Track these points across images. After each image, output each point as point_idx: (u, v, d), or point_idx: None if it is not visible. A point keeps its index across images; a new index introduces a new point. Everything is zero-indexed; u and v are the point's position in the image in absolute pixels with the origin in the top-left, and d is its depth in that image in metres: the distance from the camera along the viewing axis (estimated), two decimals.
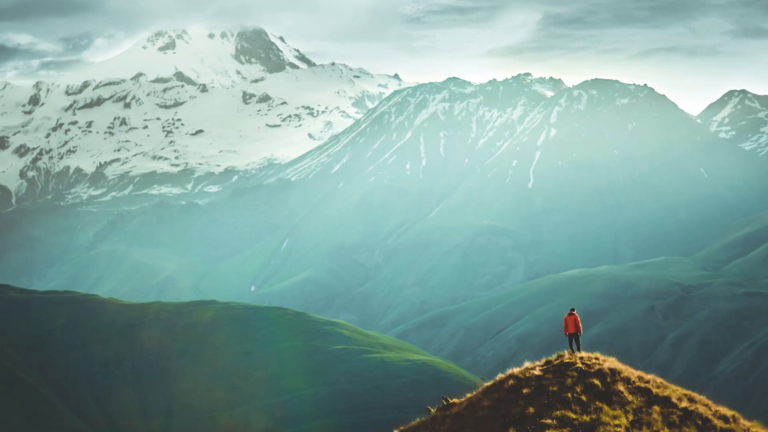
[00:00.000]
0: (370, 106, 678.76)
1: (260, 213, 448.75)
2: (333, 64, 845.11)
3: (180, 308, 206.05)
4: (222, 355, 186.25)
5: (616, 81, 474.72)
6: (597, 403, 30.17)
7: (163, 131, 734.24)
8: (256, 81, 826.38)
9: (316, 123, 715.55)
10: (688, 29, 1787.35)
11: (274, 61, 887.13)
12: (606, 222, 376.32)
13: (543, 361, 33.20)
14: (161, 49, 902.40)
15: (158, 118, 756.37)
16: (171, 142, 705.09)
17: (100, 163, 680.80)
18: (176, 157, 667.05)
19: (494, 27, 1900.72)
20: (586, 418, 29.33)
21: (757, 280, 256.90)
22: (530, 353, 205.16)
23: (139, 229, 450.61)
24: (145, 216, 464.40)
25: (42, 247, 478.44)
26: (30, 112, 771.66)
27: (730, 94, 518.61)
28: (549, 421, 29.10)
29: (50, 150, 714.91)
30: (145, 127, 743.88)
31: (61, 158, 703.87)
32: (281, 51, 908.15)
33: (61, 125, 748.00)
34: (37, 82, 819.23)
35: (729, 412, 31.57)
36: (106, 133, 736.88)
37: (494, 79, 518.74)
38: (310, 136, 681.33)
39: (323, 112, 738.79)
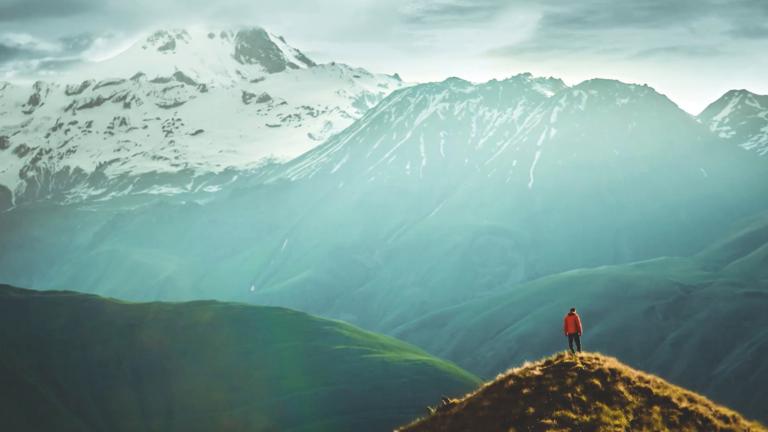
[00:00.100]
0: (370, 106, 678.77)
1: (260, 213, 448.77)
2: (333, 64, 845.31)
3: (180, 308, 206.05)
4: (222, 355, 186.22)
5: (616, 81, 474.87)
6: (597, 403, 30.13)
7: (163, 131, 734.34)
8: (256, 81, 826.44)
9: (316, 123, 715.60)
10: (688, 29, 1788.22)
11: (274, 61, 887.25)
12: (606, 222, 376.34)
13: (543, 361, 33.16)
14: (161, 49, 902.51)
15: (158, 118, 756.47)
16: (171, 142, 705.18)
17: (99, 163, 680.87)
18: (176, 157, 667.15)
19: (494, 27, 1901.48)
20: (586, 418, 29.29)
21: (758, 280, 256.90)
22: (530, 353, 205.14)
23: (139, 229, 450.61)
24: (145, 216, 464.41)
25: (42, 247, 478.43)
26: (30, 112, 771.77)
27: (731, 94, 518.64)
28: (549, 421, 29.06)
29: (50, 150, 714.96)
30: (145, 127, 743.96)
31: (61, 158, 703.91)
32: (281, 51, 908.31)
33: (60, 125, 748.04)
34: (36, 82, 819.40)
35: (729, 413, 31.53)
36: (106, 133, 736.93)
37: (494, 79, 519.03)
38: (310, 136, 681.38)
39: (323, 112, 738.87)
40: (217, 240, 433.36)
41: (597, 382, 31.13)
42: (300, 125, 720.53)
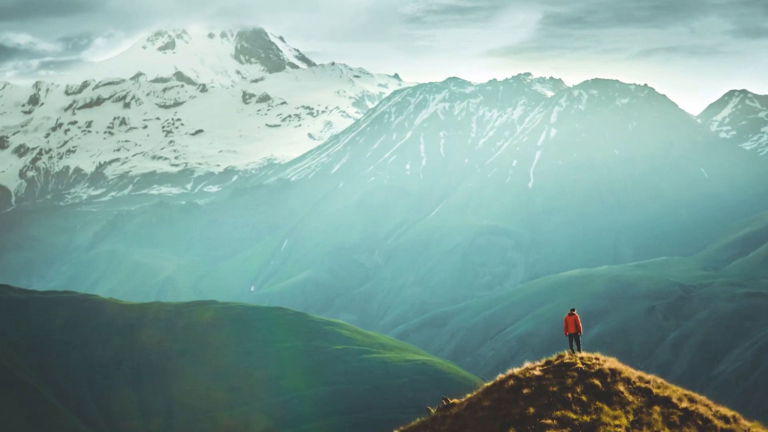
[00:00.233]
0: (370, 106, 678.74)
1: (260, 213, 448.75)
2: (333, 63, 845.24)
3: (180, 308, 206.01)
4: (222, 356, 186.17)
5: (617, 81, 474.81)
6: (597, 403, 30.09)
7: (163, 131, 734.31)
8: (255, 81, 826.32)
9: (316, 123, 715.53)
10: (688, 29, 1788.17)
11: (274, 61, 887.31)
12: (606, 222, 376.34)
13: (543, 361, 33.13)
14: (161, 48, 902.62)
15: (158, 118, 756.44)
16: (171, 142, 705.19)
17: (99, 163, 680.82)
18: (176, 157, 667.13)
19: (494, 27, 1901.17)
20: (586, 418, 29.25)
21: (758, 280, 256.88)
22: (530, 353, 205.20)
23: (139, 229, 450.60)
24: (145, 216, 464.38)
25: (41, 247, 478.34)
26: (29, 112, 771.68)
27: (731, 93, 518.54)
28: (549, 421, 29.02)
29: (50, 150, 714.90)
30: (145, 127, 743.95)
31: (61, 158, 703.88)
32: (281, 51, 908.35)
33: (60, 125, 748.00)
34: (36, 82, 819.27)
35: (729, 413, 31.51)
36: (105, 133, 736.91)
37: (494, 79, 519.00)
38: (310, 136, 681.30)
39: (323, 112, 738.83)
40: (217, 240, 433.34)
41: (597, 382, 31.08)
42: (300, 125, 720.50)
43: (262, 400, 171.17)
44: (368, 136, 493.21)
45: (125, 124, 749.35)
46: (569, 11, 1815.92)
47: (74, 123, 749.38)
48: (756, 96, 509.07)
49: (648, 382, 31.85)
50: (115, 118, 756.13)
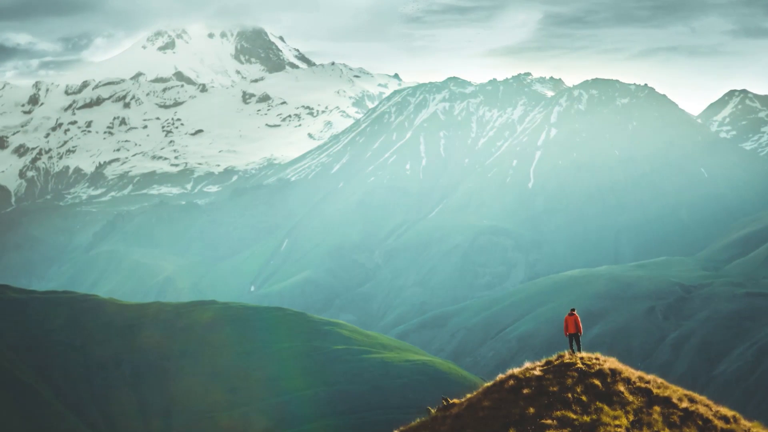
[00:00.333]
0: (370, 105, 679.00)
1: (260, 213, 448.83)
2: (333, 63, 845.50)
3: (179, 308, 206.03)
4: (221, 356, 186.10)
5: (617, 81, 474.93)
6: (597, 403, 30.01)
7: (163, 131, 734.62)
8: (255, 81, 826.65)
9: (316, 123, 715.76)
10: (688, 29, 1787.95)
11: (273, 61, 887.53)
12: (607, 222, 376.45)
13: (543, 361, 33.05)
14: (161, 48, 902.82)
15: (158, 118, 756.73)
16: (171, 141, 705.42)
17: (99, 163, 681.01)
18: (176, 157, 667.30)
19: (494, 27, 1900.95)
20: (586, 418, 29.16)
21: (758, 281, 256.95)
22: (531, 353, 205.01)
23: (139, 229, 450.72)
24: (145, 216, 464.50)
25: (41, 247, 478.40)
26: (29, 112, 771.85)
27: (731, 93, 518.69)
28: (549, 421, 28.93)
29: (49, 150, 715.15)
30: (145, 126, 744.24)
31: (61, 158, 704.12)
32: (281, 51, 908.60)
33: (60, 125, 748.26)
34: (36, 82, 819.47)
35: (730, 413, 31.44)
36: (105, 133, 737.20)
37: (494, 79, 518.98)
38: (309, 136, 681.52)
39: (323, 111, 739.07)
40: (217, 240, 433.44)
41: (597, 382, 30.99)
42: (300, 125, 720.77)
43: (261, 401, 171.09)
44: (368, 136, 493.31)
45: (125, 124, 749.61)
46: (569, 11, 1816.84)
47: (74, 123, 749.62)
48: (756, 96, 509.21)
49: (648, 382, 31.76)
50: (115, 118, 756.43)
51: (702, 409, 30.95)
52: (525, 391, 30.86)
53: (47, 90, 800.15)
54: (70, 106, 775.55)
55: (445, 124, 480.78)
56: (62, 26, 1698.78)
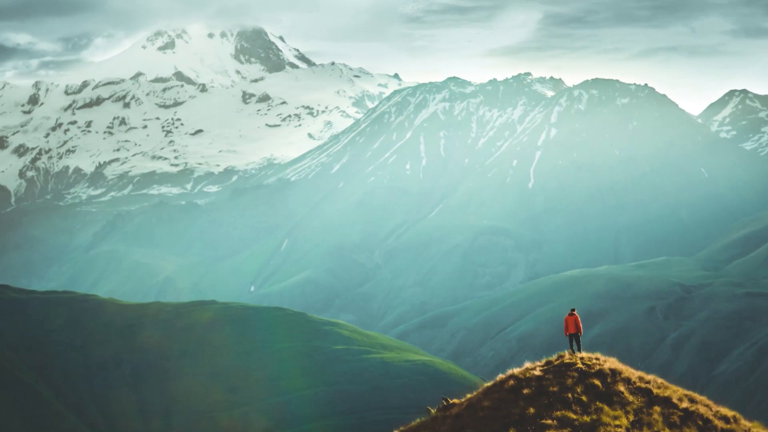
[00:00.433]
0: (370, 105, 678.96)
1: (260, 213, 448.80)
2: (333, 63, 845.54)
3: (179, 308, 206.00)
4: (221, 356, 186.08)
5: (617, 81, 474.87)
6: (597, 403, 29.98)
7: (163, 131, 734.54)
8: (255, 81, 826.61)
9: (316, 123, 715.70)
10: (688, 29, 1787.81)
11: (273, 61, 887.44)
12: (607, 222, 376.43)
13: (543, 361, 33.02)
14: (161, 48, 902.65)
15: (158, 118, 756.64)
16: (170, 141, 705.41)
17: (99, 163, 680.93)
18: (176, 157, 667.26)
19: (494, 27, 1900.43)
20: (586, 418, 29.14)
21: (758, 281, 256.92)
22: (531, 353, 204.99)
23: (139, 229, 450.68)
24: (145, 216, 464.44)
25: (41, 247, 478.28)
26: (29, 112, 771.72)
27: (731, 93, 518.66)
28: (549, 421, 28.90)
29: (49, 150, 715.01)
30: (145, 126, 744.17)
31: (61, 158, 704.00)
32: (281, 51, 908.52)
33: (60, 125, 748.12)
34: (36, 82, 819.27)
35: (730, 413, 31.41)
36: (105, 132, 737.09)
37: (494, 79, 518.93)
38: (309, 135, 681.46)
39: (323, 111, 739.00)
40: (217, 240, 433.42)
41: (597, 382, 30.96)
42: (300, 125, 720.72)
43: (261, 401, 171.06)
44: (368, 136, 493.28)
45: (125, 124, 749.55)
46: (569, 11, 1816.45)
47: (74, 123, 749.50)
48: (756, 96, 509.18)
49: (648, 382, 31.73)
50: (114, 118, 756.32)
51: (702, 410, 30.92)
52: (525, 391, 30.83)
53: (47, 90, 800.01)
54: (70, 106, 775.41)
55: (445, 124, 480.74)
56: (62, 26, 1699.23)
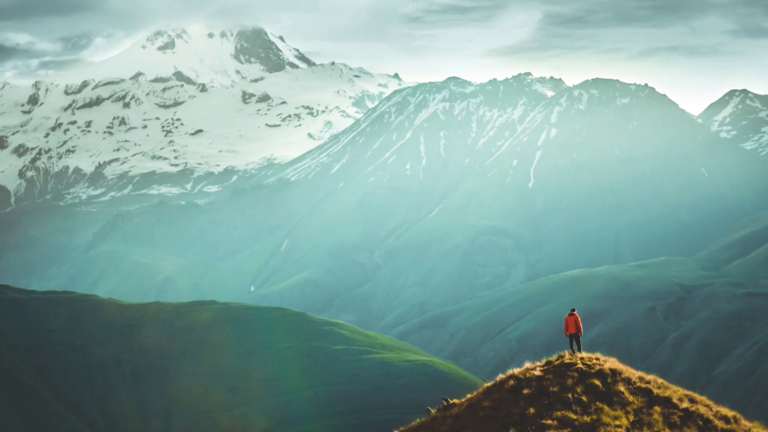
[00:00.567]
0: (370, 105, 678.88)
1: (260, 213, 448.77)
2: (333, 63, 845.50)
3: (179, 308, 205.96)
4: (221, 356, 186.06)
5: (617, 80, 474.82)
6: (598, 403, 29.95)
7: (163, 131, 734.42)
8: (255, 81, 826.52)
9: (316, 123, 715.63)
10: (689, 29, 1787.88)
11: (273, 61, 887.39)
12: (607, 222, 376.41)
13: (543, 361, 33.00)
14: (160, 48, 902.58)
15: (157, 118, 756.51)
16: (170, 141, 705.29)
17: (99, 163, 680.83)
18: (176, 157, 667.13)
19: (494, 27, 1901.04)
20: (586, 418, 29.11)
21: (759, 281, 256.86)
22: (531, 354, 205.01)
23: (139, 229, 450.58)
24: (145, 216, 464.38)
25: (41, 247, 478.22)
26: (29, 112, 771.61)
27: (731, 93, 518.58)
28: (550, 421, 28.88)
29: (49, 150, 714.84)
30: (145, 126, 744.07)
31: (60, 158, 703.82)
32: (281, 50, 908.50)
33: (60, 125, 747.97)
34: (36, 82, 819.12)
35: (730, 413, 31.39)
36: (105, 132, 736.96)
37: (494, 79, 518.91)
38: (309, 135, 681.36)
39: (323, 111, 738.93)
40: (217, 240, 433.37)
41: (597, 382, 30.93)
42: (300, 125, 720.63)
43: (261, 401, 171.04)
44: (368, 136, 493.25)
45: (125, 123, 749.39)
46: (569, 11, 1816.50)
47: (74, 123, 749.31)
48: (756, 96, 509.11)
49: (648, 382, 31.71)
50: (114, 118, 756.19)
51: (702, 410, 30.90)
52: (525, 391, 30.81)
53: (47, 90, 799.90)
54: (69, 106, 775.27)
55: (445, 124, 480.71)
56: (62, 26, 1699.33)
